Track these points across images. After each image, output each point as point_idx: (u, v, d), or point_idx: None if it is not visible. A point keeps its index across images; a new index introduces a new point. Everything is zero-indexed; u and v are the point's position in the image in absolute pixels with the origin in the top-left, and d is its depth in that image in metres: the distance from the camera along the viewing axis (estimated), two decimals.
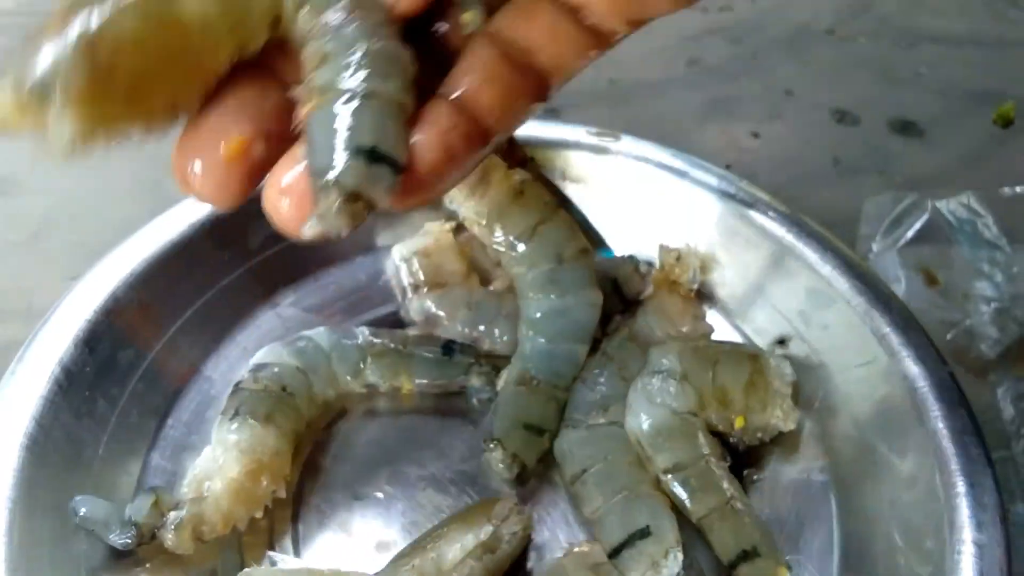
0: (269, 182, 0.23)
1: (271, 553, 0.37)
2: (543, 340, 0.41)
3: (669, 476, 0.37)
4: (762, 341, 0.45)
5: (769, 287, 0.44)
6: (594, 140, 0.47)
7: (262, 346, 0.42)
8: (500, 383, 0.42)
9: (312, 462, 0.41)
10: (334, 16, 0.23)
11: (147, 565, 0.36)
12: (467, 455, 0.41)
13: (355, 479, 0.40)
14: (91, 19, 0.21)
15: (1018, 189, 0.51)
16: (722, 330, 0.45)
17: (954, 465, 0.35)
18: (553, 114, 0.61)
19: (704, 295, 0.46)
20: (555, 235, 0.40)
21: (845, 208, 0.53)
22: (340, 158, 0.22)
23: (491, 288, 0.46)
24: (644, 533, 0.35)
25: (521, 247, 0.40)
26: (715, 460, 0.38)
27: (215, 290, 0.44)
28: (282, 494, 0.38)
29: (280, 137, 0.23)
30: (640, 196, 0.47)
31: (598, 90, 0.64)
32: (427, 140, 0.22)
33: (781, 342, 0.44)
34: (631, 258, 0.46)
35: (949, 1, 0.75)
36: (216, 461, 0.37)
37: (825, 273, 0.42)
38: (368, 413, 0.43)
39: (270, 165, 0.23)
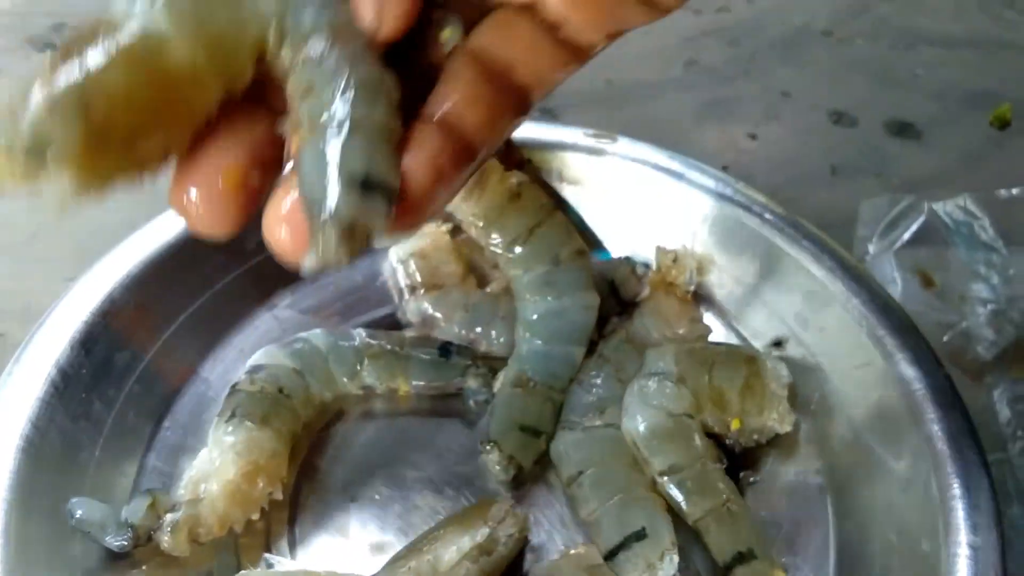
0: (267, 212, 0.23)
1: (267, 555, 0.37)
2: (540, 342, 0.41)
3: (665, 478, 0.37)
4: (759, 343, 0.45)
5: (765, 289, 0.44)
6: (591, 142, 0.47)
7: (259, 348, 0.42)
8: (497, 385, 0.42)
9: (309, 464, 0.41)
10: (316, 46, 0.23)
11: (143, 567, 0.36)
12: (464, 457, 0.41)
13: (352, 481, 0.40)
14: (81, 75, 0.21)
15: (1015, 191, 0.51)
16: (719, 332, 0.45)
17: (950, 467, 0.35)
18: (550, 115, 0.61)
19: (701, 297, 0.46)
20: (552, 237, 0.40)
21: (842, 210, 0.53)
22: (333, 191, 0.22)
23: (488, 290, 0.46)
24: (640, 535, 0.35)
25: (518, 249, 0.40)
26: (711, 462, 0.38)
27: (211, 292, 0.44)
28: (278, 496, 0.38)
29: (275, 162, 0.23)
30: (637, 198, 0.47)
31: (595, 91, 0.64)
32: (417, 165, 0.23)
33: (777, 344, 0.44)
34: (628, 260, 0.46)
35: (946, 3, 0.75)
36: (212, 463, 0.37)
37: (821, 275, 0.42)
38: (365, 415, 0.43)
39: (266, 191, 0.23)
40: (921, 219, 0.50)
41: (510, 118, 0.25)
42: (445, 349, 0.43)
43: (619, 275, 0.45)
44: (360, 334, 0.43)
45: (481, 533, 0.35)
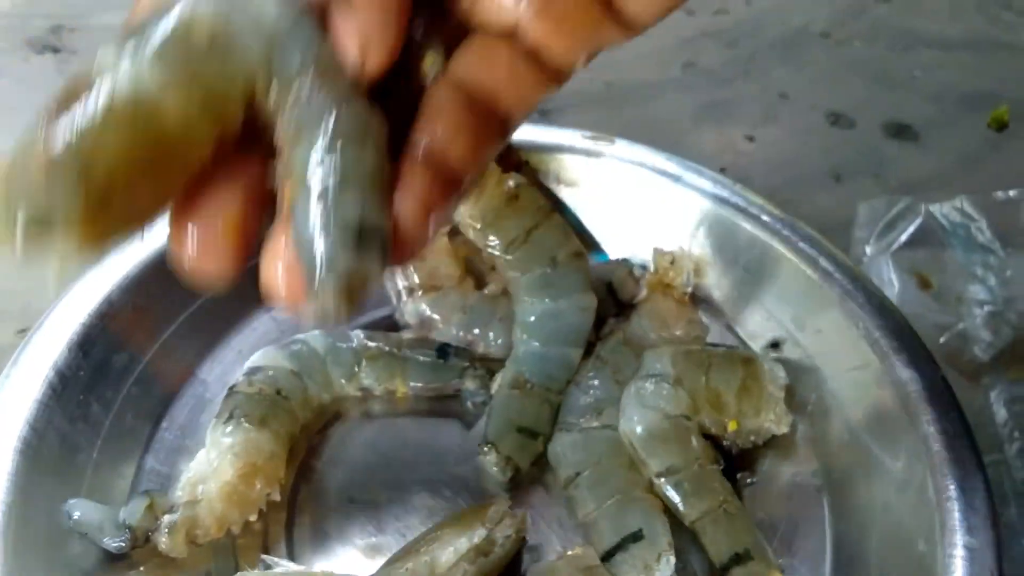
0: (264, 261, 0.23)
1: (265, 556, 0.37)
2: (537, 344, 0.41)
3: (662, 479, 0.38)
4: (756, 345, 0.45)
5: (762, 291, 0.44)
6: (589, 144, 0.47)
7: (257, 349, 0.42)
8: (494, 386, 0.42)
9: (306, 465, 0.41)
10: (302, 88, 0.23)
11: (141, 568, 0.36)
12: (461, 458, 0.41)
13: (349, 482, 0.40)
14: (77, 139, 0.21)
15: (1012, 193, 0.51)
16: (716, 333, 0.46)
17: (946, 469, 0.35)
18: (548, 117, 0.61)
19: (698, 299, 0.46)
20: (549, 239, 0.41)
21: (840, 211, 0.53)
22: (328, 249, 0.22)
23: (486, 292, 0.46)
24: (637, 536, 0.36)
25: (515, 251, 0.40)
26: (708, 463, 0.38)
27: (209, 293, 0.44)
28: (276, 497, 0.38)
29: (272, 202, 0.23)
30: (634, 200, 0.47)
31: (593, 92, 0.65)
32: (407, 205, 0.23)
33: (774, 345, 0.44)
34: (625, 261, 0.46)
35: (944, 5, 0.75)
36: (210, 464, 0.37)
37: (818, 277, 0.42)
38: (363, 416, 0.43)
39: (263, 230, 0.23)
40: (918, 221, 0.50)
41: (494, 144, 0.25)
42: (443, 351, 0.43)
43: (616, 277, 0.45)
44: (358, 336, 0.43)
45: (478, 534, 0.35)
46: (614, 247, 0.48)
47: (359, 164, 0.22)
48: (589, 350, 0.43)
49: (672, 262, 0.45)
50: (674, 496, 0.37)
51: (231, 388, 0.40)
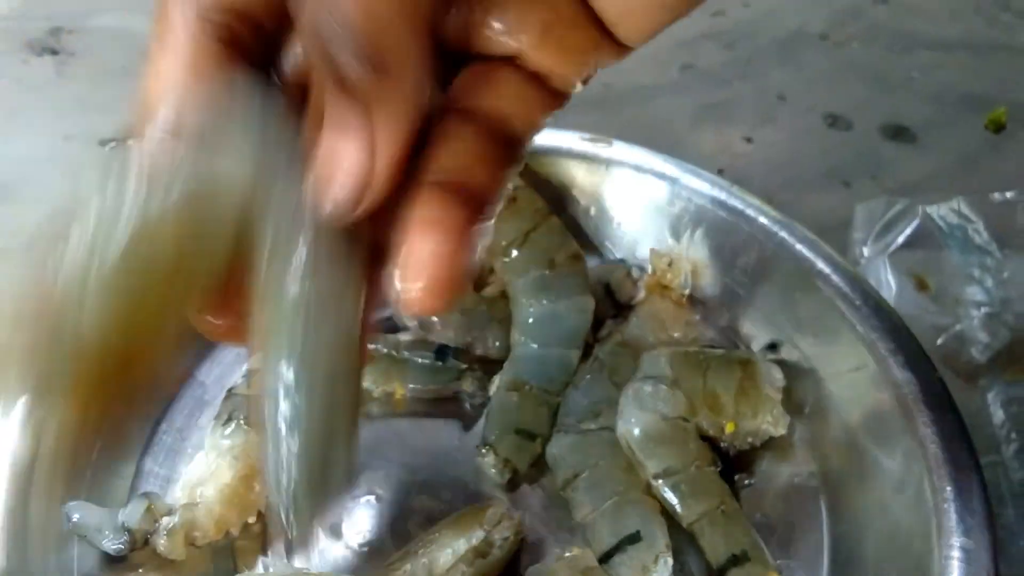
0: None
1: (264, 558, 0.37)
2: (535, 345, 0.41)
3: (660, 481, 0.38)
4: (753, 346, 0.45)
5: (760, 293, 0.45)
6: (587, 146, 0.47)
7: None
8: (492, 388, 0.42)
9: None
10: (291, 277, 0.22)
11: (140, 571, 0.36)
12: (460, 460, 0.41)
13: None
14: (67, 316, 0.20)
15: (1008, 195, 0.51)
16: (713, 335, 0.46)
17: (942, 470, 0.35)
18: None
19: (695, 300, 0.46)
20: (547, 241, 0.41)
21: (837, 213, 0.53)
22: (291, 493, 0.22)
23: (484, 294, 0.46)
24: (634, 538, 0.36)
25: (513, 253, 0.40)
26: (706, 465, 0.38)
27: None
28: None
29: None
30: (632, 201, 0.47)
31: (591, 94, 0.64)
32: (440, 239, 0.22)
33: (772, 347, 0.44)
34: (623, 263, 0.47)
35: (942, 6, 0.75)
36: (209, 466, 0.37)
37: (815, 279, 0.42)
38: (361, 418, 0.43)
39: None
40: (915, 222, 0.50)
41: (511, 168, 0.25)
42: (441, 353, 0.43)
43: (614, 278, 0.45)
44: None
45: (476, 536, 0.35)
46: (612, 249, 0.48)
47: (328, 388, 0.22)
48: (587, 352, 0.43)
49: (670, 264, 0.45)
50: (672, 498, 0.37)
51: (230, 390, 0.40)
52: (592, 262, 0.46)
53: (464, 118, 0.24)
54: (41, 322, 0.20)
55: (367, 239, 0.23)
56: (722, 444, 0.40)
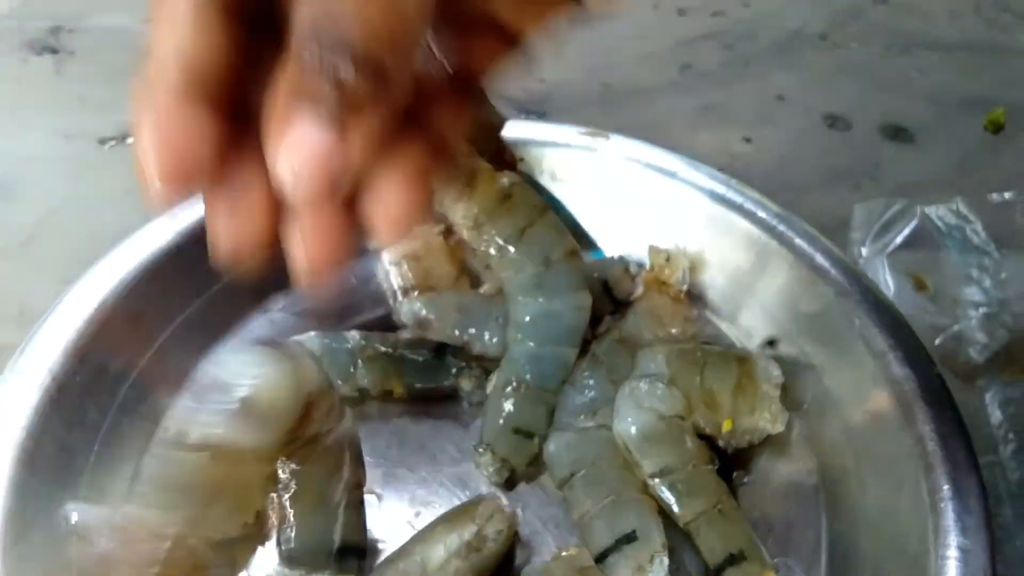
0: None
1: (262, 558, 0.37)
2: (532, 344, 0.41)
3: (656, 480, 0.38)
4: (752, 342, 0.45)
5: (758, 288, 0.44)
6: (584, 140, 0.47)
7: None
8: (490, 387, 0.42)
9: None
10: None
11: None
12: (458, 458, 0.41)
13: None
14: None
15: (1007, 195, 0.51)
16: (711, 331, 0.46)
17: (940, 469, 0.35)
18: (544, 118, 0.61)
19: (694, 296, 0.46)
20: (543, 237, 0.40)
21: (836, 213, 0.53)
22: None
23: (481, 291, 0.46)
24: (630, 537, 0.36)
25: (510, 250, 0.40)
26: (703, 463, 0.38)
27: (205, 296, 0.44)
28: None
29: None
30: (630, 196, 0.47)
31: (590, 95, 0.65)
32: (407, 200, 0.23)
33: (770, 343, 0.44)
34: (621, 259, 0.47)
35: (941, 7, 0.75)
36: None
37: (814, 274, 0.42)
38: (359, 417, 0.43)
39: None
40: (914, 223, 0.50)
41: (468, 112, 0.26)
42: (439, 351, 0.43)
43: (612, 274, 0.45)
44: (354, 336, 0.43)
45: (469, 531, 0.35)
46: (610, 245, 0.48)
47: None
48: (585, 348, 0.43)
49: (668, 259, 0.45)
50: (668, 497, 0.37)
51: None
52: (589, 258, 0.46)
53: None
54: None
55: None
56: (720, 442, 0.40)
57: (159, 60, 0.21)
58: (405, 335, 0.45)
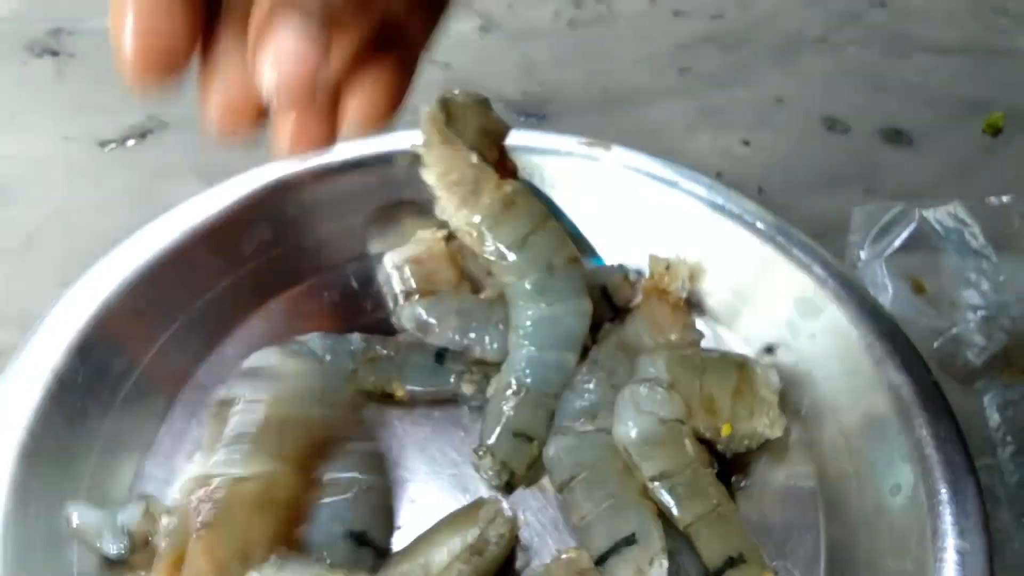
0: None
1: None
2: (533, 348, 0.42)
3: (656, 484, 0.38)
4: (750, 349, 0.45)
5: (757, 296, 0.45)
6: (585, 150, 0.47)
7: (254, 352, 0.42)
8: (490, 391, 0.42)
9: None
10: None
11: (140, 573, 0.36)
12: (458, 461, 0.42)
13: None
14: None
15: (1005, 198, 0.52)
16: (710, 338, 0.46)
17: (938, 473, 0.35)
18: (544, 122, 0.61)
19: (693, 303, 0.46)
20: (545, 244, 0.41)
21: (834, 216, 0.53)
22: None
23: (482, 296, 0.46)
24: (630, 540, 0.36)
25: (512, 256, 0.40)
26: (702, 467, 0.38)
27: (207, 297, 0.44)
28: None
29: None
30: (630, 205, 0.47)
31: (590, 98, 0.65)
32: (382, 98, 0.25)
33: (769, 350, 0.44)
34: (621, 267, 0.47)
35: (939, 10, 0.75)
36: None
37: (812, 283, 0.42)
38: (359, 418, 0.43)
39: None
40: (912, 226, 0.51)
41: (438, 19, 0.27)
42: (439, 355, 0.44)
43: (612, 282, 0.45)
44: (355, 339, 0.43)
45: (471, 534, 0.35)
46: (610, 252, 0.48)
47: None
48: (585, 353, 0.43)
49: (667, 267, 0.45)
50: (668, 500, 0.37)
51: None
52: (590, 265, 0.46)
53: None
54: None
55: None
56: (719, 446, 0.41)
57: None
58: (406, 338, 0.45)
